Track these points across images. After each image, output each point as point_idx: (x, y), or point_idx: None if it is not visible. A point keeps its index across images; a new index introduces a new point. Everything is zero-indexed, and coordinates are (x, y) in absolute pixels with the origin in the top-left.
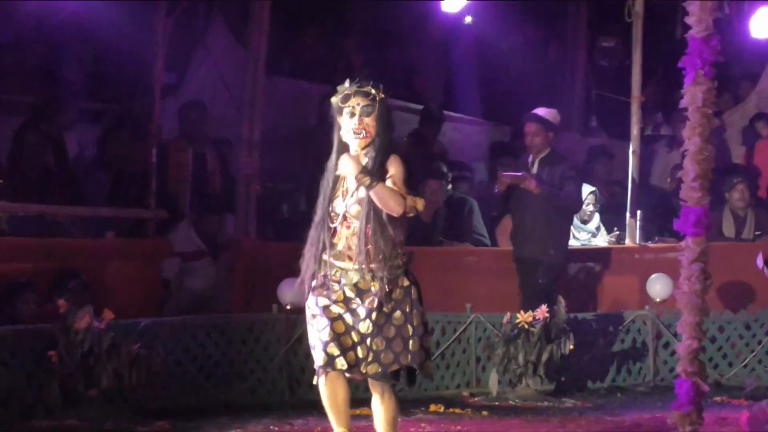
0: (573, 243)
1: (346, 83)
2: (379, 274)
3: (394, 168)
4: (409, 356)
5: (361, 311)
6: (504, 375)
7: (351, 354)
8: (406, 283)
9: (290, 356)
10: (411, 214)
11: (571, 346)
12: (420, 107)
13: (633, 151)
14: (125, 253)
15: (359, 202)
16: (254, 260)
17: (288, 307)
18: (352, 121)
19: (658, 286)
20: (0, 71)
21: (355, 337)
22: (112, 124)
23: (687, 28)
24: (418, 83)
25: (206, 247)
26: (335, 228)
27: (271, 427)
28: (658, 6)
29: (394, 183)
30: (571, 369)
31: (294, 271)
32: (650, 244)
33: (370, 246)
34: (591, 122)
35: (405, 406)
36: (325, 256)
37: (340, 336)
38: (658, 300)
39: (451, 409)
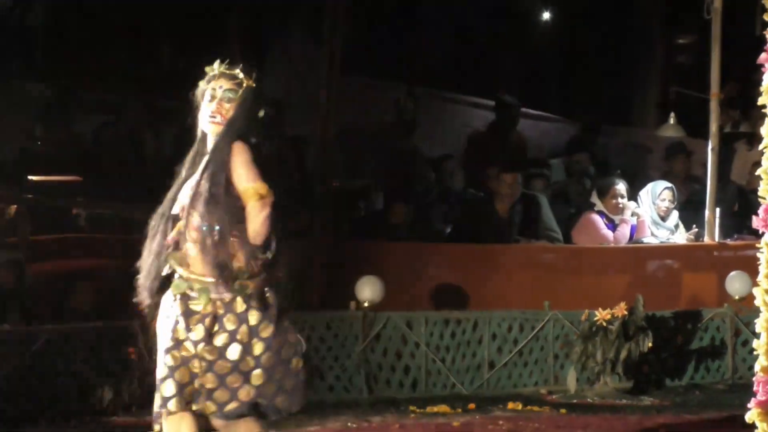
0: (651, 240)
1: (215, 64)
2: (216, 285)
3: (238, 158)
4: (252, 391)
5: (188, 344)
6: (582, 373)
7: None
8: (242, 306)
9: (368, 353)
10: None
11: (650, 344)
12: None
13: (712, 149)
14: None
15: (192, 187)
16: (330, 257)
17: (365, 305)
18: (210, 105)
19: (737, 284)
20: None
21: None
22: (189, 122)
23: (766, 24)
24: (494, 80)
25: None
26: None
27: (349, 424)
28: (737, 2)
29: (243, 189)
30: (650, 367)
31: (372, 269)
32: (729, 242)
33: (202, 249)
34: (669, 119)
35: (483, 403)
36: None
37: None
38: (737, 298)
39: (529, 407)
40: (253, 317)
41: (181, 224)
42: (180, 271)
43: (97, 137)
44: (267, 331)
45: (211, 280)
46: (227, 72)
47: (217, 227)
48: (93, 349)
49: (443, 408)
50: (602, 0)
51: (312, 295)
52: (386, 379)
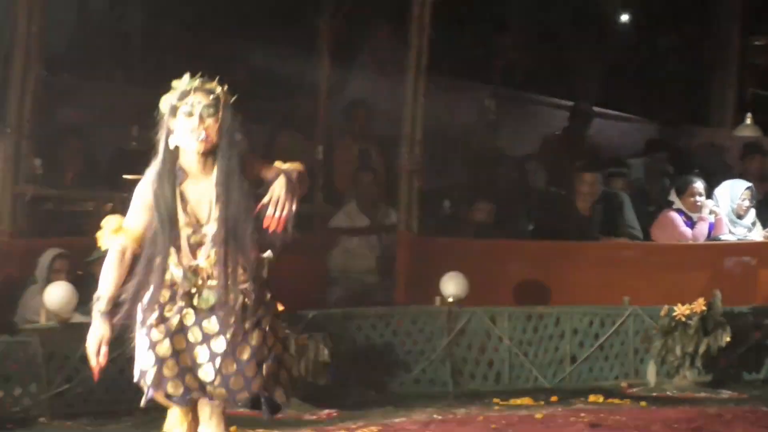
0: (729, 237)
1: (185, 78)
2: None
3: (252, 165)
4: (262, 382)
5: (214, 322)
6: (662, 366)
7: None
8: (269, 297)
9: (453, 347)
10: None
11: (728, 339)
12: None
13: None
14: (293, 246)
15: (211, 237)
16: (416, 254)
17: (450, 300)
18: (190, 121)
19: None
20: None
21: (198, 356)
22: (280, 123)
23: None
24: (574, 81)
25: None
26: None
27: (435, 416)
28: None
29: (263, 169)
30: (728, 360)
31: (457, 265)
32: None
33: (229, 264)
34: (745, 119)
35: (565, 396)
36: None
37: (179, 353)
38: None
39: (610, 400)
40: (273, 311)
41: (209, 260)
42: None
43: None
44: (284, 331)
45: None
46: (203, 87)
47: (242, 244)
48: None
49: (526, 400)
50: (681, 1)
51: (398, 290)
52: (470, 373)
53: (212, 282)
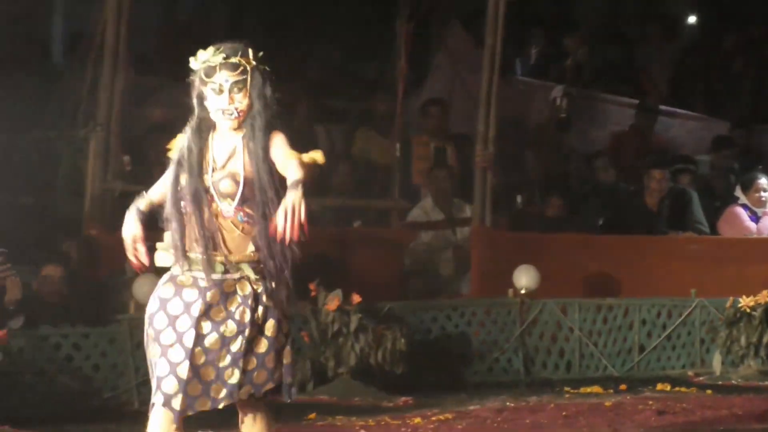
0: None
1: (210, 50)
2: (256, 268)
3: (279, 141)
4: (284, 371)
5: (231, 325)
6: (727, 356)
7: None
8: (280, 285)
9: (525, 338)
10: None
11: None
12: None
13: None
14: (371, 240)
15: (232, 177)
16: (489, 247)
17: (523, 292)
18: (220, 99)
19: None
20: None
21: (221, 362)
22: (358, 121)
23: None
24: (641, 80)
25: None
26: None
27: (508, 403)
28: None
29: (287, 156)
30: None
31: (529, 258)
32: None
33: (241, 233)
34: None
35: (633, 384)
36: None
37: (200, 369)
38: None
39: (676, 388)
40: (284, 295)
41: (212, 210)
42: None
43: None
44: (288, 311)
45: (253, 260)
46: (228, 62)
47: (267, 211)
48: None
49: (596, 389)
50: (749, 0)
51: (472, 282)
52: (542, 362)
53: (216, 254)
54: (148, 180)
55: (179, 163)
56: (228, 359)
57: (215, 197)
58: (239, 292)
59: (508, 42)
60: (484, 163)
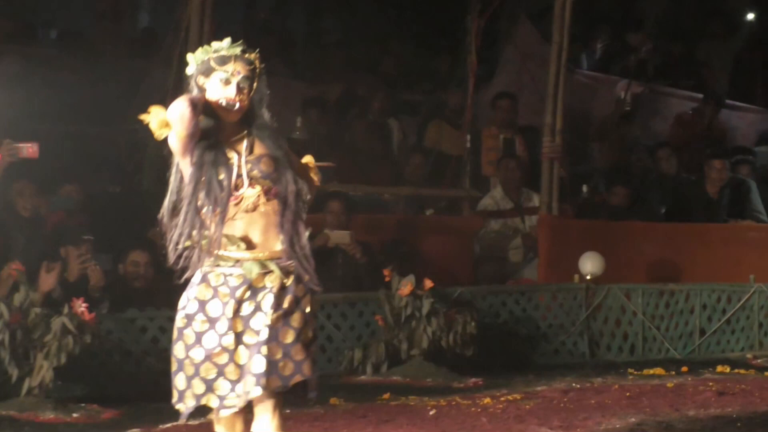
0: None
1: (225, 41)
2: (283, 264)
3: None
4: (311, 364)
5: (256, 323)
6: None
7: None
8: (307, 278)
9: (590, 321)
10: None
11: None
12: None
13: None
14: (443, 228)
15: (265, 162)
16: (556, 235)
17: (588, 278)
18: (226, 90)
19: None
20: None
21: (239, 359)
22: (430, 113)
23: None
24: (704, 74)
25: (514, 210)
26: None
27: (573, 384)
28: None
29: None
30: None
31: (594, 245)
32: None
33: (276, 226)
34: None
35: (694, 366)
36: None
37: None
38: None
39: (736, 370)
40: (312, 291)
41: (249, 198)
42: (244, 254)
43: (349, 127)
44: (316, 306)
45: (281, 254)
46: (244, 56)
47: (293, 211)
48: (343, 315)
49: (658, 371)
50: None
51: (540, 268)
52: (607, 345)
53: (246, 253)
54: None
55: (205, 156)
56: (251, 349)
57: (245, 185)
58: (268, 285)
59: (574, 38)
60: (552, 154)
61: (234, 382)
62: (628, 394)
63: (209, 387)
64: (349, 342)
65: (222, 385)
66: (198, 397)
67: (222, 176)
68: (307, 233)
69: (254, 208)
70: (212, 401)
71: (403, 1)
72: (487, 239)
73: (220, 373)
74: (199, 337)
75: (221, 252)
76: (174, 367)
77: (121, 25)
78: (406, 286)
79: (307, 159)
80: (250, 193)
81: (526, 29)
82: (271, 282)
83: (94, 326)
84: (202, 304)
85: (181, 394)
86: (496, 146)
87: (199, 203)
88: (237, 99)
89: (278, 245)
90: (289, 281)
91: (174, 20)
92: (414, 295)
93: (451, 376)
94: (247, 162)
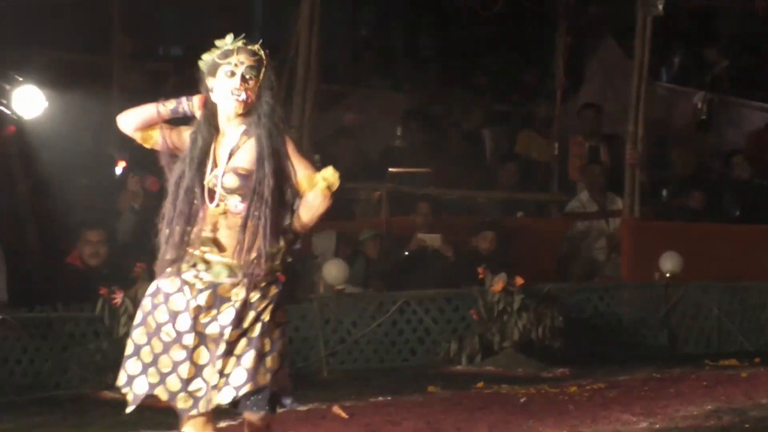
0: None
1: (228, 38)
2: (248, 276)
3: (291, 146)
4: (268, 375)
5: (214, 327)
6: None
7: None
8: (274, 290)
9: (669, 316)
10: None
11: None
12: None
13: None
14: (533, 229)
15: (237, 172)
16: (638, 236)
17: (667, 275)
18: (231, 81)
19: None
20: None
21: (198, 359)
22: (521, 123)
23: None
24: None
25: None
26: (199, 205)
27: (654, 374)
28: None
29: (307, 176)
30: None
31: (673, 245)
32: None
33: (246, 236)
34: None
35: (766, 358)
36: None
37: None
38: None
39: None
40: (276, 302)
41: (217, 209)
42: (215, 257)
43: (446, 136)
44: (285, 317)
45: (246, 265)
46: (247, 48)
47: (268, 214)
48: (441, 310)
49: (732, 362)
50: None
51: (623, 266)
52: (684, 338)
53: (217, 256)
54: (365, 175)
55: (190, 163)
56: (207, 357)
57: (222, 194)
58: (233, 298)
59: (654, 52)
60: (634, 161)
61: (185, 381)
62: (704, 383)
63: (162, 379)
64: (446, 335)
65: (172, 381)
66: (152, 386)
67: (195, 183)
68: (282, 242)
69: (225, 212)
70: (162, 394)
71: (496, 19)
72: (573, 240)
73: (174, 369)
74: (159, 327)
75: (194, 251)
76: (129, 350)
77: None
78: (498, 283)
79: (326, 173)
80: (224, 205)
81: (610, 45)
82: (236, 296)
83: None
84: (167, 296)
85: (131, 379)
86: (582, 153)
87: (177, 206)
88: (242, 88)
89: (253, 253)
90: (255, 296)
91: (284, 38)
92: (506, 292)
93: (540, 367)
94: (224, 173)
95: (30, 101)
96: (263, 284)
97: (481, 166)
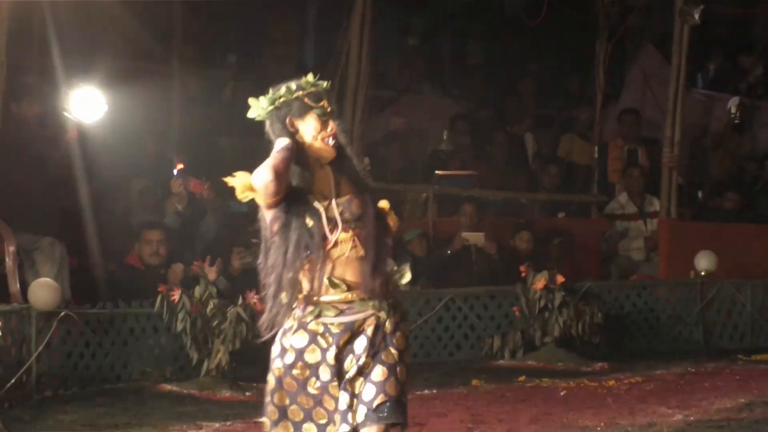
0: None
1: (310, 76)
2: (378, 301)
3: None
4: (398, 386)
5: (349, 361)
6: None
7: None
8: (397, 306)
9: (704, 313)
10: None
11: None
12: None
13: None
14: (574, 229)
15: (350, 202)
16: (674, 235)
17: (702, 274)
18: (325, 128)
19: None
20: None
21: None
22: (563, 127)
23: None
24: None
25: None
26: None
27: (689, 369)
28: None
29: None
30: None
31: (709, 244)
32: None
33: (369, 263)
34: None
35: None
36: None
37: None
38: None
39: None
40: (401, 316)
41: (343, 237)
42: (347, 296)
43: (491, 139)
44: (407, 327)
45: (373, 292)
46: (328, 90)
47: (381, 238)
48: (484, 306)
49: (765, 356)
50: None
51: (660, 265)
52: (719, 333)
53: (347, 294)
54: (384, 178)
55: (291, 206)
56: (341, 389)
57: (338, 229)
58: (366, 330)
59: (691, 60)
60: (671, 164)
61: (323, 426)
62: (738, 377)
63: (320, 430)
64: (489, 330)
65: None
66: None
67: (311, 224)
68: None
69: (344, 243)
70: None
71: (539, 27)
72: (612, 239)
73: (330, 419)
74: (303, 384)
75: (324, 298)
76: (274, 417)
77: (289, 51)
78: (540, 281)
79: (383, 204)
80: (344, 237)
81: (649, 52)
82: (369, 325)
83: None
84: (300, 351)
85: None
86: (622, 156)
87: (289, 254)
88: (333, 133)
89: (376, 284)
90: (386, 321)
91: (336, 46)
92: (547, 289)
93: (580, 361)
94: (338, 204)
95: (91, 106)
96: (387, 304)
97: (525, 168)
